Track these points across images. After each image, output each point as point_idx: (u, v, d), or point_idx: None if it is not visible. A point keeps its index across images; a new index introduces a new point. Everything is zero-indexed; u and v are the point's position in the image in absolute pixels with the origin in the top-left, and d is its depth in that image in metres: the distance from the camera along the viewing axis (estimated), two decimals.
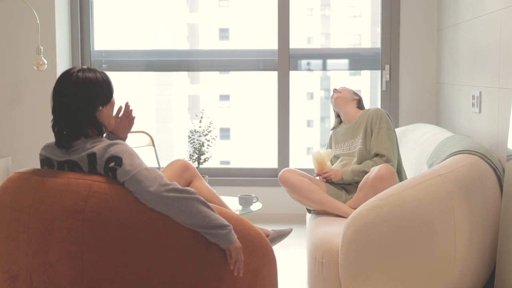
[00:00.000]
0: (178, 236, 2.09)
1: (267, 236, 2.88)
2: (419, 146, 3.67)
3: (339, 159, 3.51)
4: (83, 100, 2.20)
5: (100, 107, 2.24)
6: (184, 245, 2.09)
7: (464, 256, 2.58)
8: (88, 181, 2.12)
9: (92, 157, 2.14)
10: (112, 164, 2.10)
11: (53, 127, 2.23)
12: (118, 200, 2.08)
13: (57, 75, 4.66)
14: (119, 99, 2.39)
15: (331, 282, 2.61)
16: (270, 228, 3.07)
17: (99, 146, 2.15)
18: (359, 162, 3.40)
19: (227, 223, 2.12)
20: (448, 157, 2.89)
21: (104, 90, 2.26)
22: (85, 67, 2.28)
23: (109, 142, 2.17)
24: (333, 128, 3.69)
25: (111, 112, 2.30)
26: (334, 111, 3.70)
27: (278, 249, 3.41)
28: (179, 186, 2.09)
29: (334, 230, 2.77)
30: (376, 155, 3.36)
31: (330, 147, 3.68)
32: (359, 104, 3.64)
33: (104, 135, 2.29)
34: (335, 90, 3.65)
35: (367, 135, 3.42)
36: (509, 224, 2.64)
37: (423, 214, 2.55)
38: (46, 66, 4.37)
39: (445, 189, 2.59)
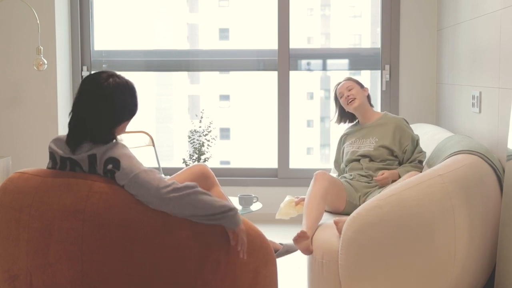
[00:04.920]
0: (178, 236, 2.09)
1: (276, 251, 2.83)
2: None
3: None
4: (107, 120, 2.19)
5: (119, 125, 2.24)
6: (184, 245, 2.09)
7: (464, 256, 2.58)
8: (88, 181, 2.12)
9: (92, 158, 2.15)
10: (110, 167, 2.10)
11: (70, 123, 2.21)
12: (118, 200, 2.08)
13: (57, 75, 4.67)
14: None
15: (331, 282, 2.61)
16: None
17: (100, 147, 2.15)
18: (379, 161, 3.41)
19: (232, 205, 2.14)
20: (448, 157, 2.89)
21: (130, 111, 2.26)
22: (117, 78, 2.23)
23: (109, 143, 2.17)
24: (348, 132, 3.64)
25: (127, 125, 2.29)
26: (345, 111, 3.64)
27: None
28: (179, 184, 2.09)
29: (334, 230, 2.77)
30: (419, 161, 3.39)
31: (340, 147, 3.66)
32: (369, 100, 3.65)
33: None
34: (348, 97, 3.55)
35: (395, 143, 3.42)
36: (509, 224, 2.64)
37: (423, 214, 2.55)
38: (46, 66, 4.36)
39: (445, 189, 2.59)
